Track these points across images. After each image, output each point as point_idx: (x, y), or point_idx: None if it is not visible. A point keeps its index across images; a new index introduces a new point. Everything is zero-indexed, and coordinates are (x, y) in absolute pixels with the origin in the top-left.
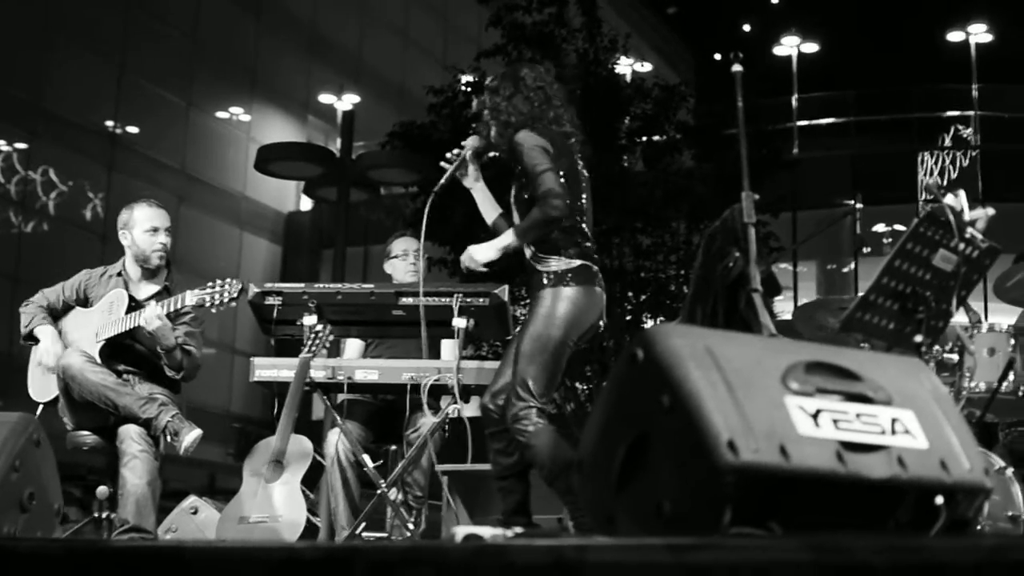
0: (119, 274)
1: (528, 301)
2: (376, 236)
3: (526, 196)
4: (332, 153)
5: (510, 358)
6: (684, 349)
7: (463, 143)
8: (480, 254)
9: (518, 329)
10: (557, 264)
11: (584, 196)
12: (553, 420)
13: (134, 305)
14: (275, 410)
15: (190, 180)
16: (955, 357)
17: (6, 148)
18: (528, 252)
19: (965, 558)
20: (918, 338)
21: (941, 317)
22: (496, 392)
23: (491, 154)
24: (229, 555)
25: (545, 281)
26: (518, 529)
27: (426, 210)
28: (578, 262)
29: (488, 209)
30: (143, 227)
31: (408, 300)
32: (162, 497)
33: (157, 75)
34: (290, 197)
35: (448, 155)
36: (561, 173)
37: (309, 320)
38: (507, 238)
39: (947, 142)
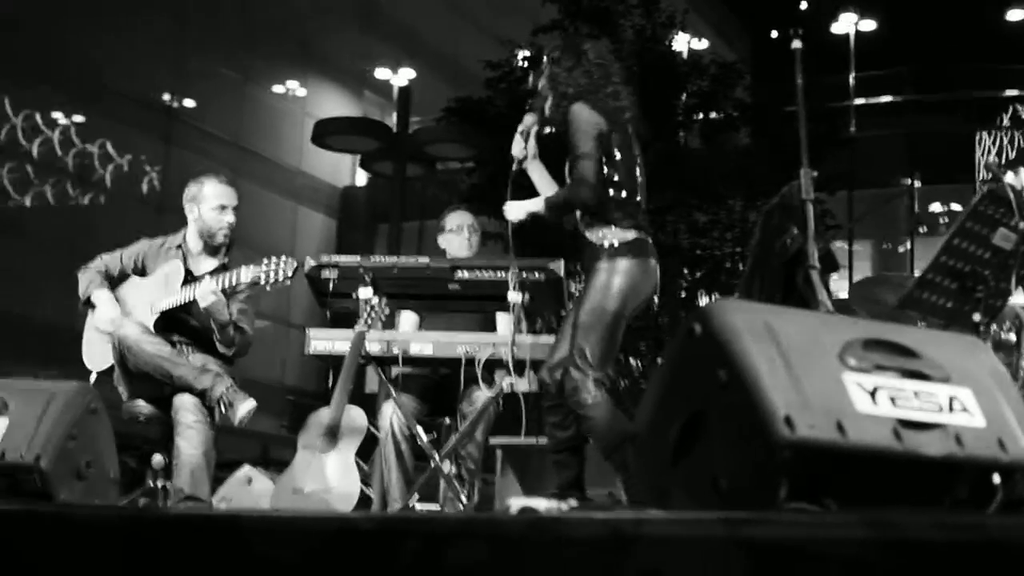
0: (178, 246)
1: (583, 276)
2: (431, 211)
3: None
4: (388, 128)
5: (567, 331)
6: (742, 324)
7: (520, 126)
8: (512, 212)
9: (574, 302)
10: (612, 237)
11: (638, 170)
12: (609, 393)
13: (190, 278)
14: (329, 382)
15: (246, 154)
16: (1013, 337)
17: (64, 121)
18: (582, 225)
19: (1022, 536)
20: (976, 317)
21: (999, 296)
22: (553, 365)
23: (547, 130)
24: (284, 524)
25: (601, 254)
26: (573, 502)
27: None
28: (633, 234)
29: (544, 187)
30: (212, 204)
31: (463, 274)
32: (216, 467)
33: (214, 49)
34: (345, 171)
35: (517, 136)
36: (615, 148)
37: (365, 293)
38: (537, 204)
39: (1006, 121)
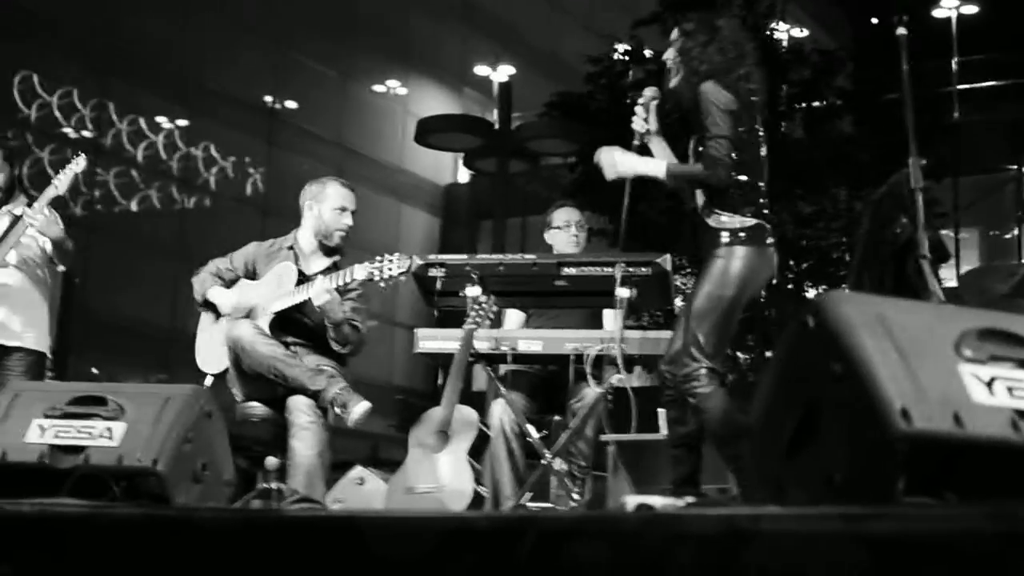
0: (290, 247)
1: (689, 270)
2: (534, 207)
3: (702, 149)
4: (491, 124)
5: (682, 322)
6: (856, 316)
7: (640, 99)
8: (624, 164)
9: (690, 290)
10: (732, 222)
11: (763, 155)
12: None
13: (303, 279)
14: (438, 381)
15: (349, 154)
16: None
17: (168, 125)
18: (703, 209)
19: None
20: None
21: None
22: (671, 359)
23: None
24: (401, 524)
25: (720, 239)
26: (689, 499)
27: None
28: (753, 221)
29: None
30: (333, 204)
31: (570, 270)
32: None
33: (315, 49)
34: (447, 169)
35: (638, 109)
36: (742, 130)
37: (472, 291)
38: (657, 166)
39: None
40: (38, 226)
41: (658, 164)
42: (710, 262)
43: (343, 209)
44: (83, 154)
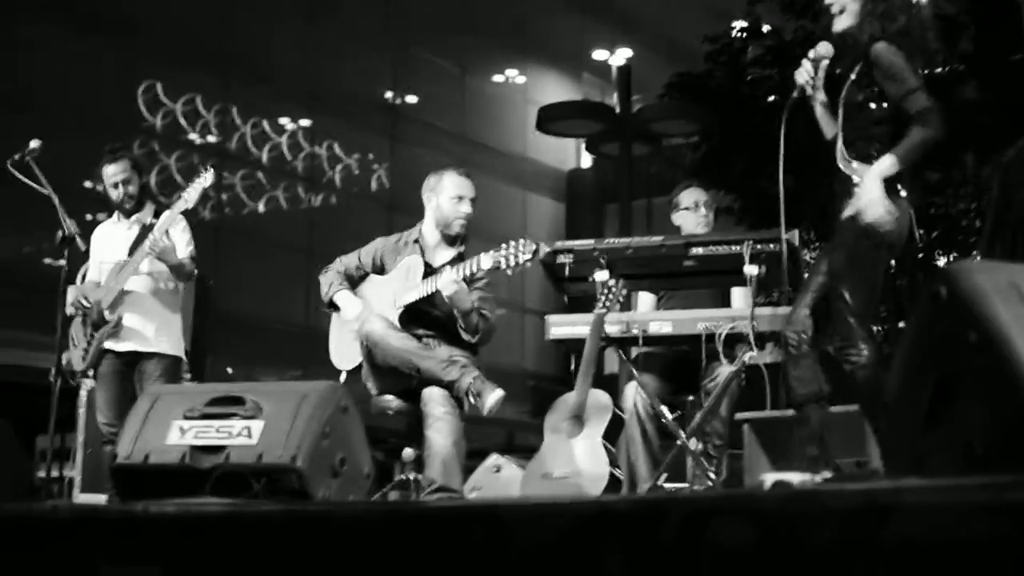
0: (415, 240)
1: (817, 244)
2: (658, 188)
3: (861, 99)
4: (611, 109)
5: (813, 282)
6: (988, 284)
7: (812, 53)
8: (875, 198)
9: (828, 248)
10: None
11: None
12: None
13: (430, 271)
14: (571, 366)
15: (472, 145)
16: None
17: (291, 126)
18: (845, 161)
19: None
20: None
21: None
22: (795, 319)
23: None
24: (543, 511)
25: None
26: (827, 474)
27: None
28: (894, 170)
29: (828, 123)
30: (450, 194)
31: (698, 250)
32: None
33: (432, 43)
34: (570, 154)
35: (805, 62)
36: None
37: (601, 276)
38: (887, 168)
39: None
40: (157, 254)
41: (885, 161)
42: (842, 229)
43: (460, 198)
44: (211, 167)
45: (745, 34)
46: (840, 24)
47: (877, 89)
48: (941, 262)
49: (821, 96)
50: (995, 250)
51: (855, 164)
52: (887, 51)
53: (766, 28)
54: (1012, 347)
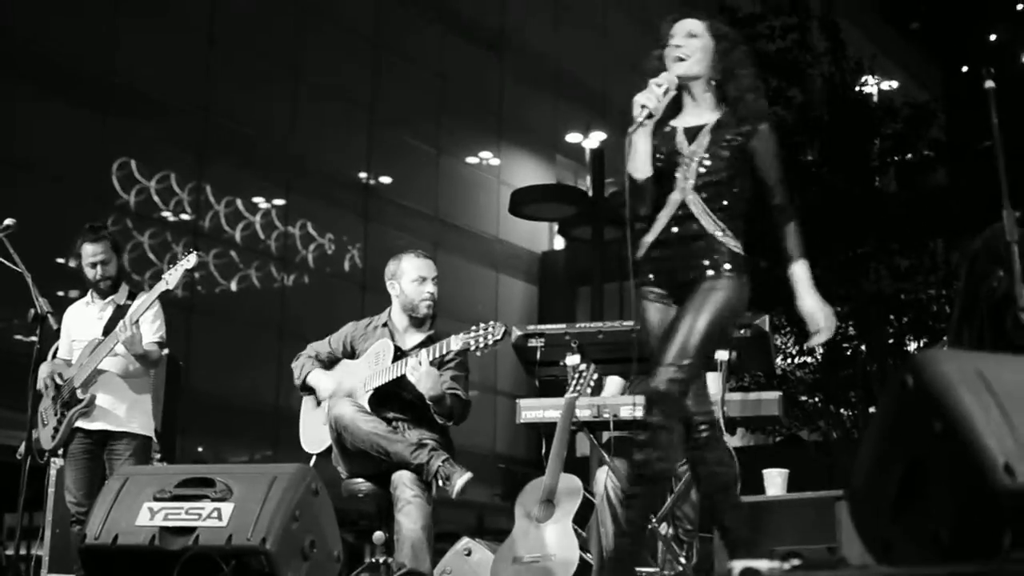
0: (384, 324)
1: (789, 329)
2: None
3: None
4: (584, 193)
5: (680, 339)
6: (954, 374)
7: (660, 80)
8: (823, 314)
9: (688, 307)
10: (738, 248)
11: None
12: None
13: (400, 354)
14: (542, 450)
15: (444, 226)
16: None
17: (265, 205)
18: (717, 228)
19: None
20: None
21: None
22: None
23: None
24: None
25: (731, 264)
26: (795, 561)
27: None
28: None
29: (643, 159)
30: (411, 276)
31: None
32: (435, 540)
33: (407, 124)
34: (543, 237)
35: (653, 87)
36: None
37: (572, 360)
38: (806, 272)
39: None
40: (124, 344)
41: (807, 276)
42: (718, 284)
43: (423, 279)
44: (194, 250)
45: None
46: (681, 70)
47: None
48: (912, 347)
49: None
50: (963, 338)
51: (733, 242)
52: (772, 132)
53: None
54: (976, 436)
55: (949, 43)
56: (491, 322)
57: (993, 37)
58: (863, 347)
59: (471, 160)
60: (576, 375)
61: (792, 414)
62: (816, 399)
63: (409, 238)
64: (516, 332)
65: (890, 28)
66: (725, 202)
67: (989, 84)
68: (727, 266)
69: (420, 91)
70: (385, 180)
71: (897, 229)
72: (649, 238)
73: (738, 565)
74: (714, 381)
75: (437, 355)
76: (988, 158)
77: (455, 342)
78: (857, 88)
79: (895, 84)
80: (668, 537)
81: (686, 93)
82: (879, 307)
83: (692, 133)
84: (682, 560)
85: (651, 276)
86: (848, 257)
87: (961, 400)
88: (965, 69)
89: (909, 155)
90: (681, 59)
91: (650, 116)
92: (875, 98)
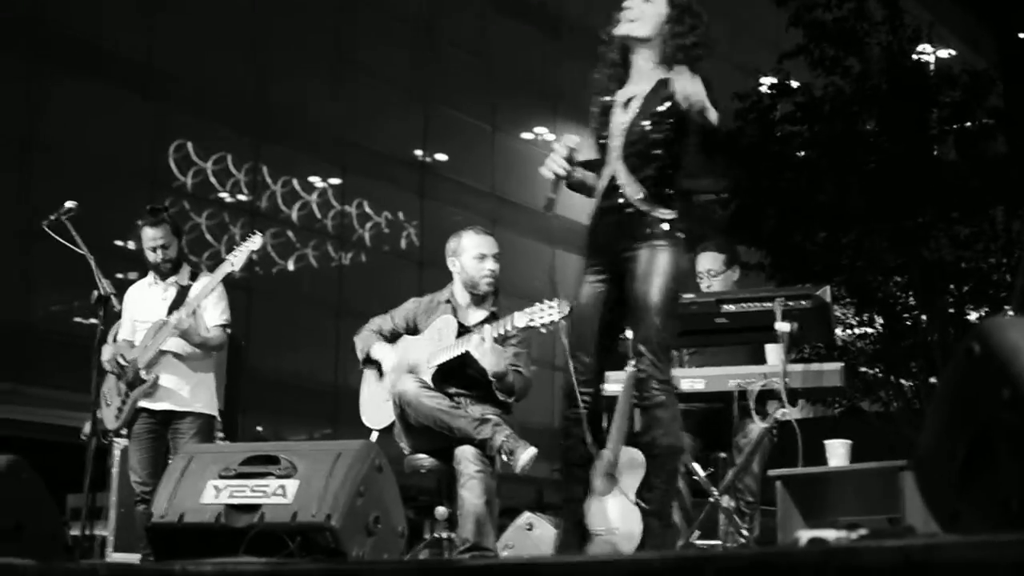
0: (447, 301)
1: (848, 300)
2: (689, 244)
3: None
4: None
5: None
6: (1022, 341)
7: (564, 141)
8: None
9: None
10: (668, 216)
11: None
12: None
13: (463, 330)
14: (602, 424)
15: (501, 203)
16: None
17: (321, 184)
18: (643, 200)
19: None
20: None
21: None
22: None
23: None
24: (579, 569)
25: (663, 235)
26: (862, 531)
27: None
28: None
29: (588, 186)
30: (471, 254)
31: (729, 307)
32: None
33: (461, 101)
34: None
35: (556, 155)
36: None
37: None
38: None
39: None
40: (180, 333)
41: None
42: (659, 252)
43: (483, 256)
44: (259, 232)
45: (775, 91)
46: (624, 30)
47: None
48: (972, 316)
49: (577, 173)
50: None
51: (664, 209)
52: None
53: (795, 84)
54: None
55: (1005, 10)
56: (555, 299)
57: None
58: (924, 317)
59: (526, 136)
60: None
61: (853, 385)
62: (877, 370)
63: (465, 214)
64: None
65: None
66: (651, 171)
67: None
68: (660, 240)
69: (474, 67)
70: (441, 157)
71: (957, 197)
72: (591, 218)
73: (805, 534)
74: (775, 353)
75: (501, 332)
76: None
77: (519, 319)
78: (914, 57)
79: (952, 52)
80: (730, 510)
81: (633, 61)
82: (939, 276)
83: (627, 103)
84: (744, 532)
85: (588, 252)
86: (908, 226)
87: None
88: (1022, 36)
89: (968, 123)
90: (629, 21)
91: (561, 178)
92: (932, 67)
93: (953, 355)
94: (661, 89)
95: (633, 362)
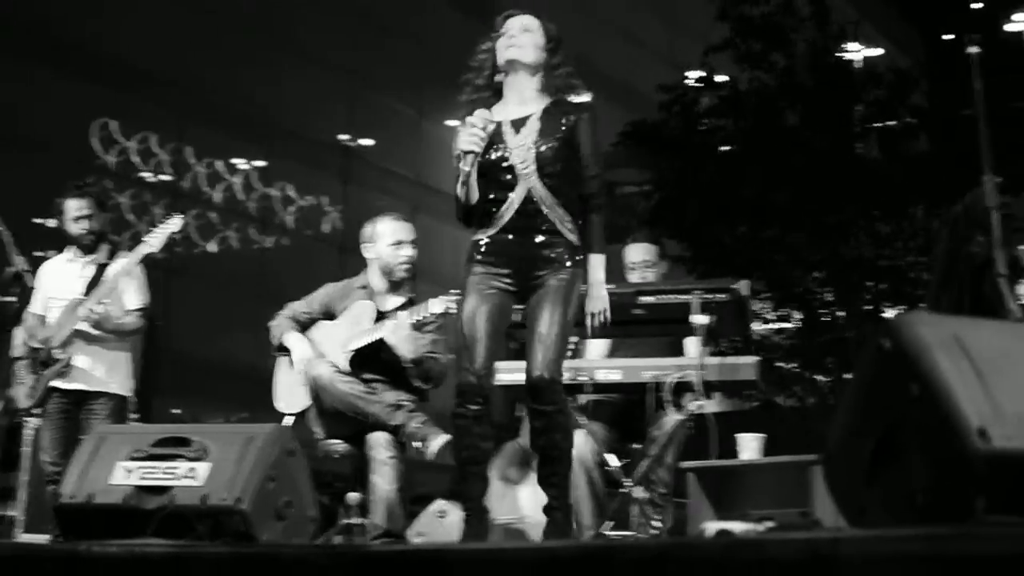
0: (363, 287)
1: (767, 295)
2: (612, 236)
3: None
4: None
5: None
6: (931, 337)
7: (478, 118)
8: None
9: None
10: (575, 239)
11: None
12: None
13: (380, 316)
14: (516, 413)
15: (425, 189)
16: None
17: (244, 166)
18: (561, 221)
19: None
20: None
21: None
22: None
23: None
24: (488, 556)
25: (571, 256)
26: (769, 524)
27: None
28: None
29: (475, 188)
30: (387, 240)
31: (648, 299)
32: (409, 502)
33: (389, 87)
34: None
35: (474, 128)
36: None
37: None
38: (601, 264)
39: None
40: (92, 324)
41: (601, 267)
42: (564, 276)
43: (399, 242)
44: (178, 213)
45: (700, 84)
46: (514, 54)
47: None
48: (889, 314)
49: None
50: (941, 303)
51: (574, 236)
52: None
53: (720, 78)
54: (951, 399)
55: (932, 11)
56: None
57: (977, 5)
58: (841, 313)
59: (452, 123)
60: None
61: (769, 379)
62: (793, 365)
63: (389, 200)
64: None
65: None
66: (564, 191)
67: (972, 50)
68: (569, 260)
69: (402, 53)
70: (366, 142)
71: (878, 195)
72: (492, 230)
73: (713, 526)
74: (693, 345)
75: (418, 318)
76: (970, 125)
77: (435, 305)
78: (840, 54)
79: (879, 51)
80: (643, 501)
81: (509, 86)
82: (858, 273)
83: (518, 124)
84: (656, 523)
85: (492, 262)
86: (829, 222)
87: (937, 364)
88: (948, 37)
89: (892, 121)
90: (518, 47)
91: (477, 155)
92: (857, 64)
93: (864, 350)
94: (554, 111)
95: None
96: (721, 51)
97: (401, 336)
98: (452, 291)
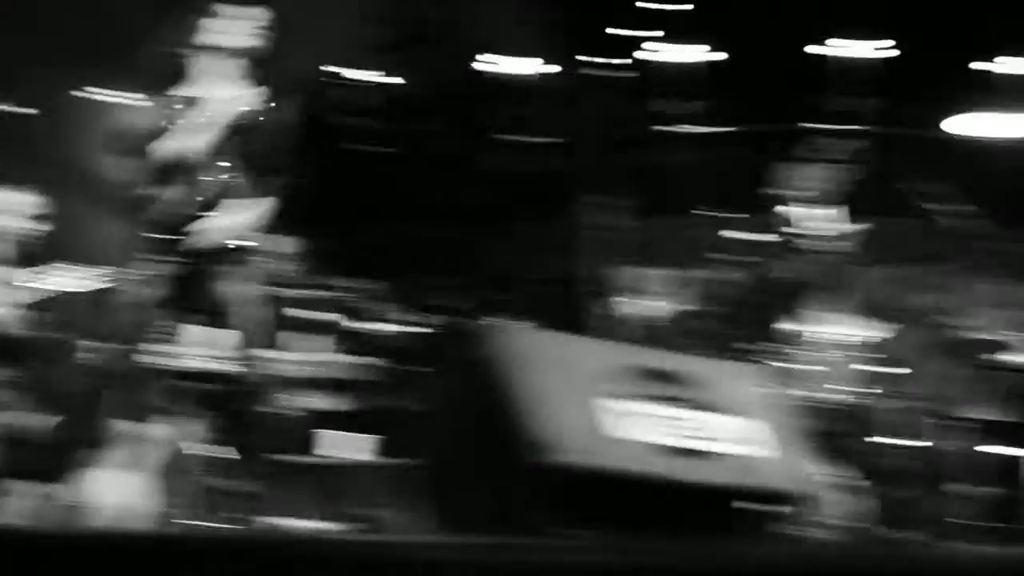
0: None
1: None
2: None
3: None
4: None
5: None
6: (504, 351)
7: None
8: None
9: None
10: None
11: None
12: None
13: None
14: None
15: None
16: None
17: None
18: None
19: (769, 563)
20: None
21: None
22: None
23: None
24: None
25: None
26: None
27: None
28: None
29: None
30: None
31: None
32: None
33: None
34: None
35: None
36: None
37: None
38: None
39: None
40: None
41: None
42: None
43: None
44: None
45: (341, 83)
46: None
47: None
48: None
49: None
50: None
51: None
52: None
53: (361, 78)
54: (518, 414)
55: (573, 29)
56: None
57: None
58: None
59: None
60: None
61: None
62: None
63: None
64: None
65: None
66: None
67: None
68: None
69: None
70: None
71: (500, 207)
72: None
73: None
74: None
75: None
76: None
77: None
78: (479, 65)
79: (527, 64)
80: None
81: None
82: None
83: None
84: None
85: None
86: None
87: (508, 378)
88: (581, 57)
89: (523, 136)
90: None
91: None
92: (498, 76)
93: (457, 360)
94: None
95: None
96: (361, 52)
97: None
98: None
